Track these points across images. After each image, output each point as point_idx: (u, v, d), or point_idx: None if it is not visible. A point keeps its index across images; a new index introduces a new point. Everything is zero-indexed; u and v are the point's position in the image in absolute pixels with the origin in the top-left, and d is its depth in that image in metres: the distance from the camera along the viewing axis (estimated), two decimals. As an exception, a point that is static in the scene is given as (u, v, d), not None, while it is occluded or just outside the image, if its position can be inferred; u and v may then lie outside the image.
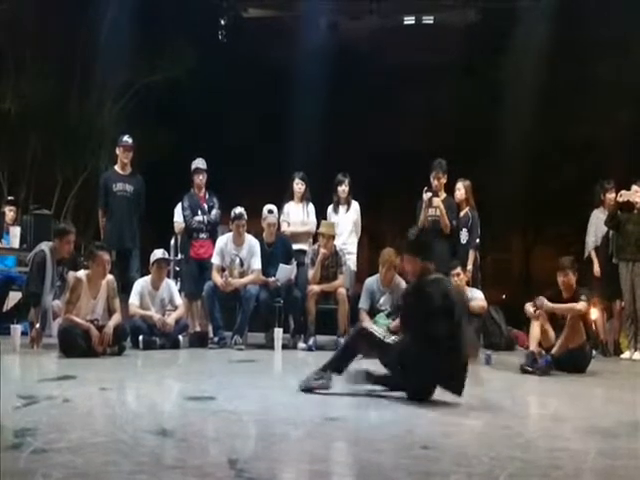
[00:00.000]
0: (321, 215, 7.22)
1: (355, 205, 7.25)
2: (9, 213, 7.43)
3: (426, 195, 6.81)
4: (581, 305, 5.13)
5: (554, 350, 5.06)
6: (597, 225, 7.22)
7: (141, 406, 3.49)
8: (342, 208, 7.21)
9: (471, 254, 6.80)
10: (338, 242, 6.96)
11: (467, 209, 6.98)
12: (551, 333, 5.17)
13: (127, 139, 6.98)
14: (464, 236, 6.89)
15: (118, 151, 7.02)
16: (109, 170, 7.42)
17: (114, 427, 2.83)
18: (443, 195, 6.93)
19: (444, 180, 6.93)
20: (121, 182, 6.94)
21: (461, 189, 6.99)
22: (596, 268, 7.15)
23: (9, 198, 8.07)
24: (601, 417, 3.60)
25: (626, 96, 11.57)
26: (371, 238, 12.84)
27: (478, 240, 6.99)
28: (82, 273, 5.55)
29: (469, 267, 6.65)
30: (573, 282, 5.30)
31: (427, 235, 4.05)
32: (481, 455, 2.56)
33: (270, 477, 2.22)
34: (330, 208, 7.25)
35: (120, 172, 7.02)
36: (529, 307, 5.29)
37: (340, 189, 7.19)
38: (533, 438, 2.98)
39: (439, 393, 3.77)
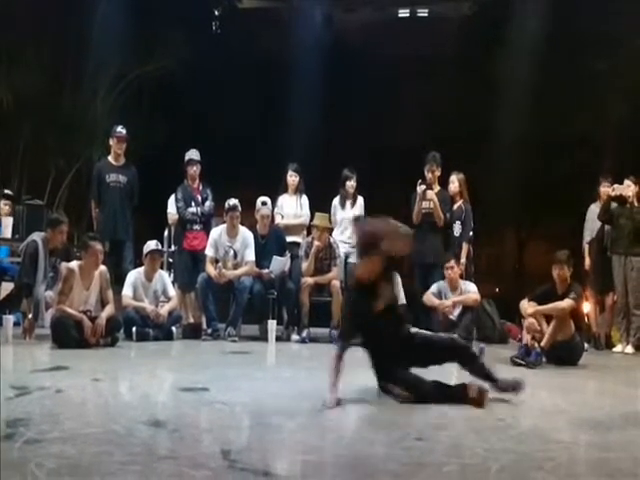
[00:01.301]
0: (317, 208, 7.21)
1: (361, 200, 7.26)
2: (4, 207, 7.37)
3: (420, 188, 6.81)
4: (566, 303, 5.15)
5: (543, 342, 5.09)
6: (593, 219, 7.26)
7: (134, 397, 3.48)
8: (348, 203, 7.22)
9: (465, 247, 6.81)
10: (344, 236, 6.99)
11: (461, 202, 6.98)
12: (544, 327, 5.19)
13: (121, 130, 6.94)
14: (457, 229, 6.90)
15: (112, 142, 6.97)
16: (102, 161, 7.37)
17: (107, 418, 2.83)
18: (437, 188, 6.93)
19: (438, 173, 6.94)
20: (114, 173, 6.91)
21: (455, 182, 7.00)
22: (587, 261, 7.18)
23: (6, 192, 7.99)
24: (593, 410, 3.62)
25: (621, 90, 11.59)
26: (365, 231, 12.79)
27: (472, 233, 7.00)
28: (75, 264, 5.52)
29: (463, 260, 6.66)
30: (567, 276, 5.32)
31: None
32: (474, 447, 2.57)
33: (263, 468, 2.21)
34: (336, 202, 7.25)
35: (113, 163, 6.98)
36: (524, 305, 5.31)
37: (348, 184, 7.19)
38: (526, 430, 2.99)
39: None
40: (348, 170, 7.25)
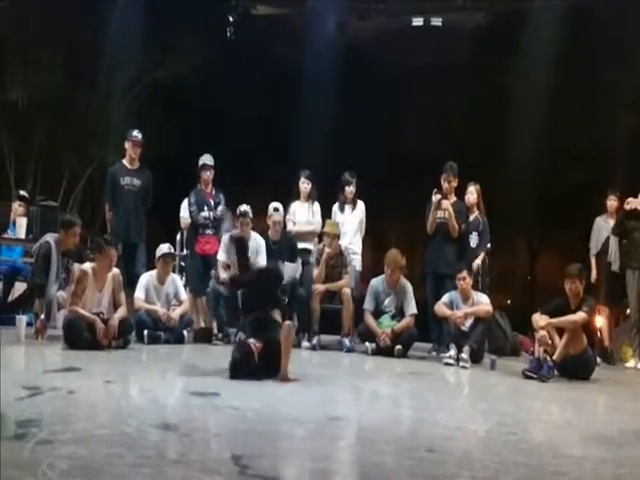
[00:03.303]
0: (327, 214, 7.21)
1: (361, 205, 7.24)
2: (19, 208, 7.43)
3: (435, 197, 6.77)
4: (578, 316, 5.13)
5: (555, 356, 5.06)
6: (598, 232, 7.25)
7: (145, 400, 3.49)
8: (348, 208, 7.20)
9: (480, 257, 6.78)
10: (344, 242, 6.96)
11: (477, 213, 6.94)
12: (557, 340, 5.16)
13: (137, 134, 6.95)
14: (474, 240, 6.85)
15: (127, 145, 6.99)
16: (117, 164, 7.40)
17: (118, 420, 2.84)
18: (453, 198, 6.88)
19: (455, 183, 6.88)
20: (129, 176, 6.93)
21: (473, 193, 6.93)
22: (593, 275, 7.13)
23: (21, 193, 8.05)
24: (605, 425, 3.59)
25: (634, 101, 11.56)
26: (376, 239, 12.86)
27: (489, 245, 6.96)
28: (88, 266, 5.55)
29: (478, 261, 6.64)
30: (580, 290, 5.29)
31: None
32: (486, 460, 2.56)
33: (274, 474, 2.22)
34: (336, 207, 7.24)
35: (128, 166, 7.01)
36: (536, 318, 5.28)
37: (348, 189, 7.17)
38: (537, 444, 2.97)
39: (445, 398, 3.76)
40: (348, 175, 7.22)
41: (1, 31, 9.87)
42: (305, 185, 7.19)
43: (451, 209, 6.73)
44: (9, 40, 9.99)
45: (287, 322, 4.34)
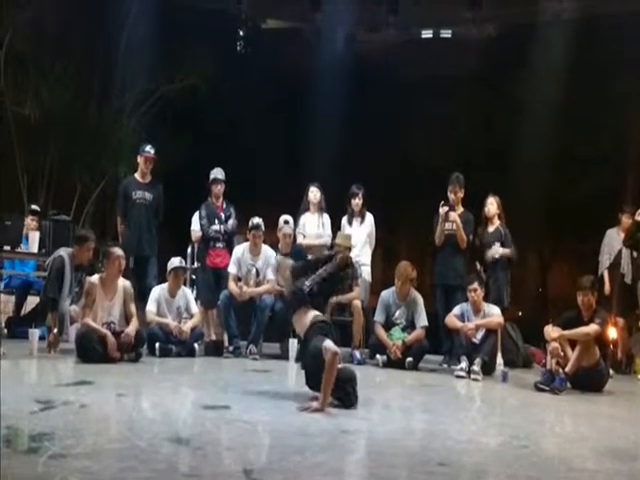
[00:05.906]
0: (338, 227, 7.21)
1: (369, 217, 7.24)
2: (31, 222, 7.50)
3: (443, 209, 6.79)
4: (591, 329, 5.10)
5: (567, 368, 5.03)
6: (610, 244, 7.22)
7: (157, 413, 3.50)
8: (356, 220, 7.20)
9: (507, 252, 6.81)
10: (352, 254, 6.97)
11: (498, 224, 6.91)
12: (569, 352, 5.13)
13: (149, 149, 7.00)
14: (498, 251, 6.79)
15: (139, 160, 7.05)
16: (129, 177, 7.46)
17: (130, 433, 2.85)
18: (460, 209, 6.90)
19: (461, 194, 6.90)
20: (141, 190, 6.99)
21: (494, 204, 6.89)
22: (607, 287, 7.10)
23: (33, 207, 8.12)
24: (618, 438, 3.55)
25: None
26: (386, 251, 12.83)
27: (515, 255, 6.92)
28: (96, 277, 5.57)
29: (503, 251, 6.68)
30: (593, 302, 5.26)
31: None
32: (498, 473, 2.55)
33: (285, 488, 2.22)
34: (344, 219, 7.25)
35: (140, 180, 7.06)
36: (548, 330, 5.26)
37: (354, 202, 7.17)
38: (550, 457, 2.95)
39: (457, 411, 3.73)
40: (355, 187, 7.21)
41: (14, 46, 9.98)
42: (314, 194, 7.19)
43: (459, 220, 6.74)
44: (21, 55, 10.10)
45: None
